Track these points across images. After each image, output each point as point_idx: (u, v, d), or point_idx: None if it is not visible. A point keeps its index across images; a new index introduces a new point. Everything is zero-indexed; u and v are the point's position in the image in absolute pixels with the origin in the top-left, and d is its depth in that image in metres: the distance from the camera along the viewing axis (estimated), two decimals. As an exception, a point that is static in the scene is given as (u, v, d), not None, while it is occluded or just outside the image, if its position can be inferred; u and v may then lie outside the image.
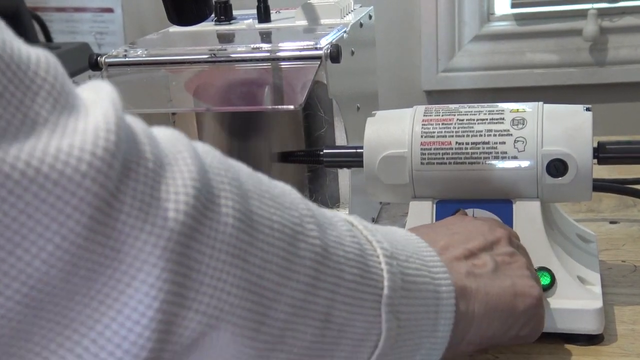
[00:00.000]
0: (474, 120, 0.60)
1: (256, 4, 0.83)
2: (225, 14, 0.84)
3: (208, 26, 0.83)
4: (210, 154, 0.38)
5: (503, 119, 0.60)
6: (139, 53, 0.74)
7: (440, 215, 0.61)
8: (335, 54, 0.68)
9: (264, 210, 0.38)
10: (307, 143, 0.77)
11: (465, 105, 0.62)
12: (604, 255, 0.69)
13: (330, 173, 0.77)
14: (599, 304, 0.57)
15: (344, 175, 0.75)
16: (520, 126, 0.59)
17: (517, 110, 0.60)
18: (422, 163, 0.60)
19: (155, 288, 0.32)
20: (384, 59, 1.38)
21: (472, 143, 0.59)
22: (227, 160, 0.39)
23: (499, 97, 1.37)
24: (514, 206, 0.60)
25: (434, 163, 0.60)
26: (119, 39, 1.59)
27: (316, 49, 0.69)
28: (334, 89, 0.71)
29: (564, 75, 1.43)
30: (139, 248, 0.32)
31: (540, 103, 0.61)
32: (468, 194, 0.61)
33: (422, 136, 0.61)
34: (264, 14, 0.83)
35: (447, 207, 0.61)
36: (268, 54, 0.71)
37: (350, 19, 0.80)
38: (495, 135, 0.59)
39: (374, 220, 0.81)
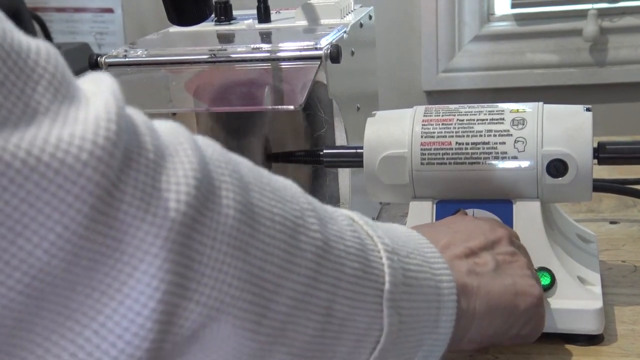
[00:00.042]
0: (474, 120, 0.60)
1: (256, 4, 0.83)
2: (225, 14, 0.84)
3: (208, 26, 0.83)
4: (211, 147, 0.38)
5: (503, 119, 0.60)
6: (139, 53, 0.74)
7: (440, 215, 0.61)
8: (335, 54, 0.68)
9: (265, 203, 0.38)
10: (307, 143, 0.77)
11: (465, 105, 0.62)
12: (604, 256, 0.69)
13: (330, 173, 0.77)
14: (599, 304, 0.57)
15: (344, 175, 0.75)
16: (520, 126, 0.59)
17: (517, 111, 0.60)
18: (422, 163, 0.60)
19: (157, 279, 0.32)
20: (384, 59, 1.38)
21: (472, 143, 0.59)
22: (227, 153, 0.38)
23: (499, 98, 1.37)
24: (514, 206, 0.60)
25: (434, 163, 0.60)
26: (119, 39, 1.59)
27: (316, 49, 0.69)
28: (334, 89, 0.71)
29: (564, 76, 1.42)
30: (141, 238, 0.32)
31: (540, 103, 0.61)
32: (468, 194, 0.61)
33: (422, 136, 0.61)
34: (264, 14, 0.83)
35: (447, 207, 0.61)
36: (268, 54, 0.71)
37: (350, 19, 0.80)
38: (495, 135, 0.59)
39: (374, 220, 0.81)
